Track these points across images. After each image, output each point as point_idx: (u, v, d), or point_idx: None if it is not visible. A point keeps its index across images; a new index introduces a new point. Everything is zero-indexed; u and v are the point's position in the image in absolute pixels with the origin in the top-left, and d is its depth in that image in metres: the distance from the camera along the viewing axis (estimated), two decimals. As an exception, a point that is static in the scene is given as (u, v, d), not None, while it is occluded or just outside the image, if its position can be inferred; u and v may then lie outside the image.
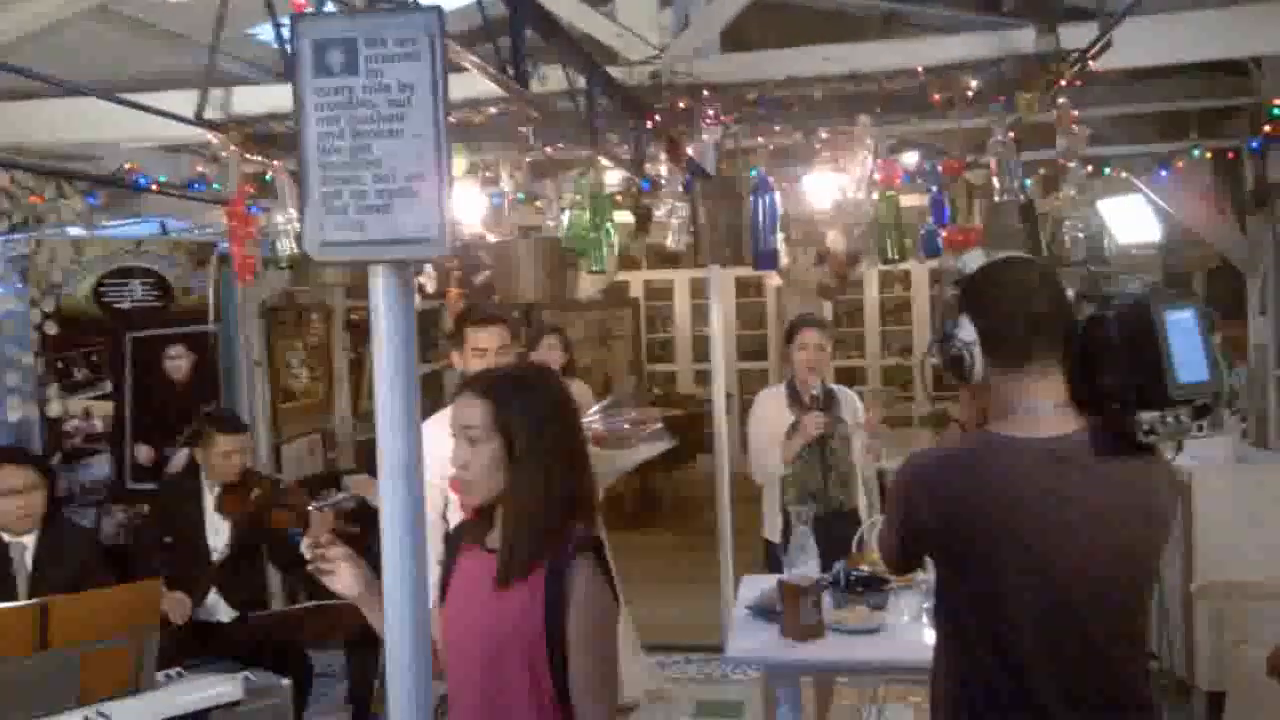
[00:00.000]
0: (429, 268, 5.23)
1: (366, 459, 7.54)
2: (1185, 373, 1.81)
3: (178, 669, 3.20)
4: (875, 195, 4.02)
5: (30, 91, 4.66)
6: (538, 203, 4.62)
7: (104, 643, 2.78)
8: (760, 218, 3.89)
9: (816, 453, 4.19)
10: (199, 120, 3.75)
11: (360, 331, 7.63)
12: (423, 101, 1.80)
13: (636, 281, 11.30)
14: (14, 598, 3.51)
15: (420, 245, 1.80)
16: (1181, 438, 1.82)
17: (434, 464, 2.99)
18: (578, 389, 4.89)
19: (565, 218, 4.06)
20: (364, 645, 4.43)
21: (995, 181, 3.80)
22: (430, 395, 7.69)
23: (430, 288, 5.44)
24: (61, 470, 4.74)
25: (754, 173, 4.24)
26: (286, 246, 3.99)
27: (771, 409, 4.31)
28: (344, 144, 1.82)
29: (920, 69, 3.80)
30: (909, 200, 4.41)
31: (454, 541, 2.15)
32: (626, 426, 3.72)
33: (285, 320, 6.59)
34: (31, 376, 4.82)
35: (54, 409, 4.88)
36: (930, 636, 3.24)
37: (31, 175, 4.99)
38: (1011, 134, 3.86)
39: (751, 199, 3.92)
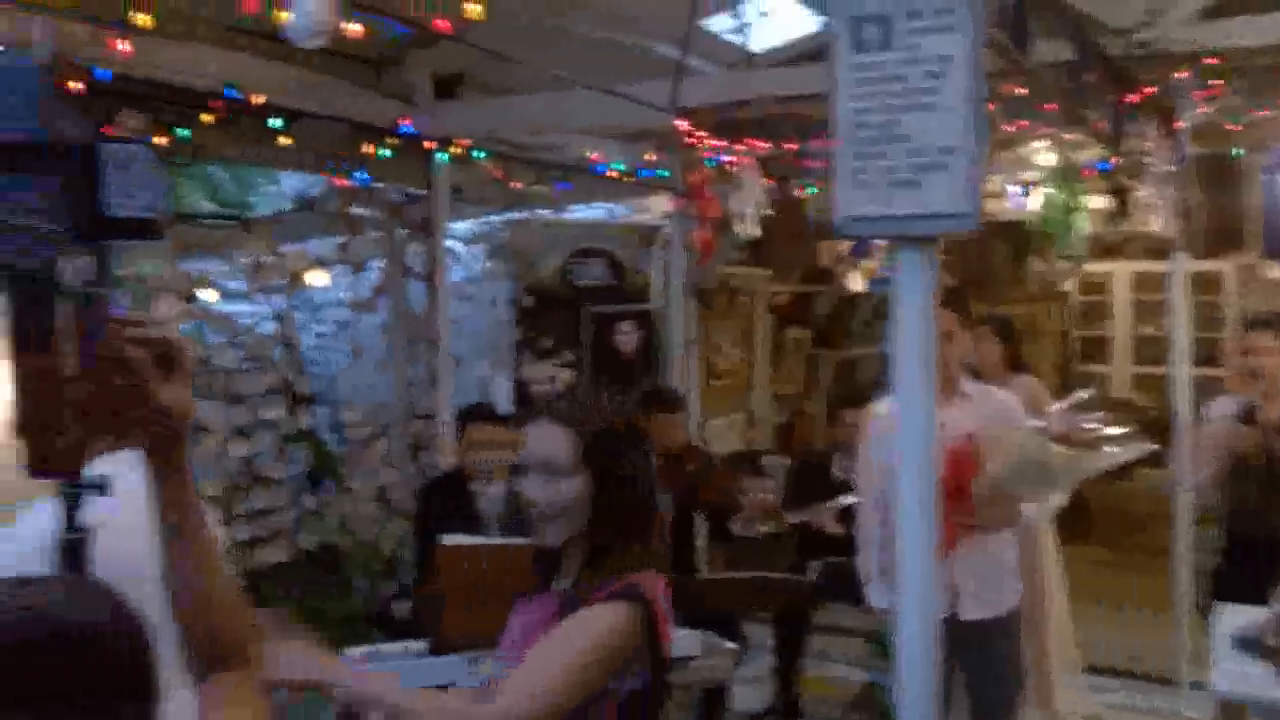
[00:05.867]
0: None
1: (781, 439, 7.70)
2: None
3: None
4: None
5: (508, 87, 5.20)
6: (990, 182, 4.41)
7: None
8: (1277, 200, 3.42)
9: (1260, 474, 3.59)
10: (672, 108, 3.98)
11: (781, 314, 7.79)
12: (959, 73, 1.76)
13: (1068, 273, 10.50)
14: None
15: (950, 220, 1.76)
16: None
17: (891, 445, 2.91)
18: (1027, 384, 4.58)
19: (1037, 199, 3.83)
20: (793, 622, 4.51)
21: None
22: (852, 381, 7.67)
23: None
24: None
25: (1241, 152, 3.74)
26: (746, 229, 4.13)
27: (1216, 422, 3.77)
28: (875, 119, 1.81)
29: None
30: None
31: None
32: (1092, 427, 3.45)
33: (718, 302, 6.86)
34: (509, 343, 5.44)
35: (524, 373, 5.46)
36: None
37: (514, 163, 5.60)
38: None
39: (1264, 178, 3.45)
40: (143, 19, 2.90)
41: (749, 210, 4.11)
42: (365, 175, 4.96)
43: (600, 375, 5.60)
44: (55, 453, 1.20)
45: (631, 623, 1.71)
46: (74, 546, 1.28)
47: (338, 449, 5.18)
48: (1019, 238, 3.78)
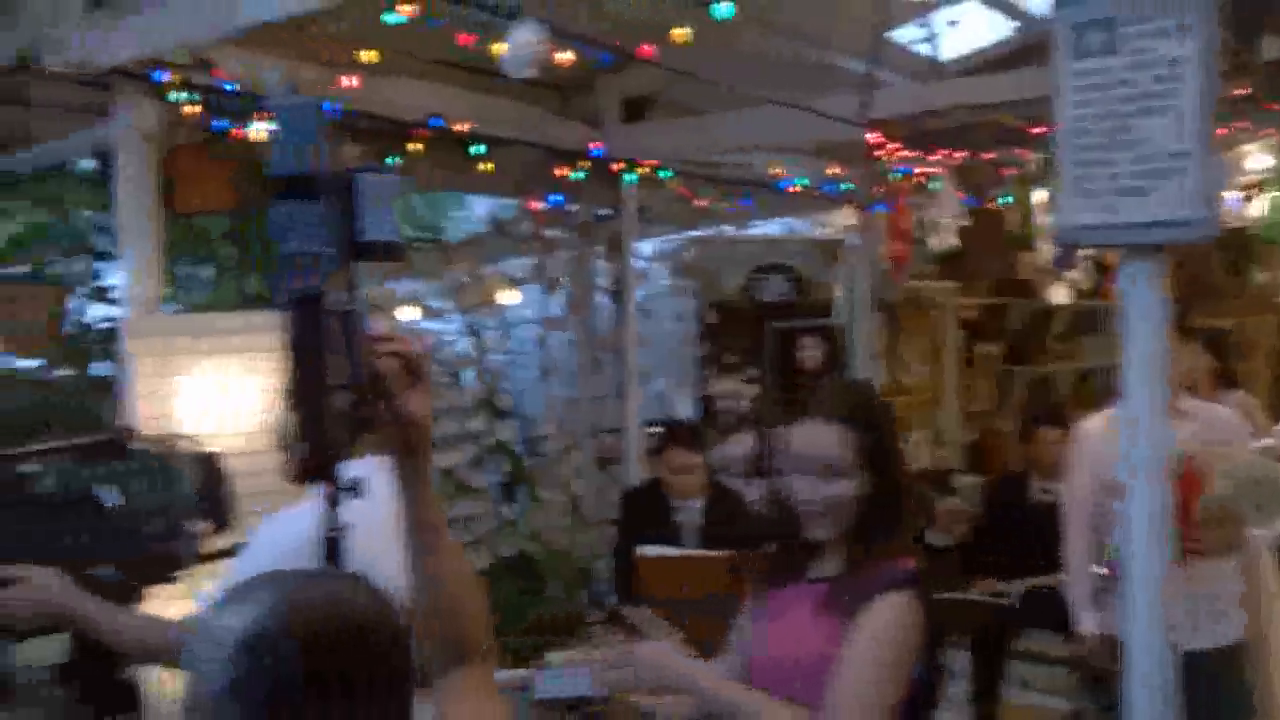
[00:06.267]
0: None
1: (971, 458, 7.44)
2: None
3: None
4: None
5: (694, 107, 5.27)
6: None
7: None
8: None
9: None
10: (863, 121, 3.95)
11: (972, 330, 7.54)
12: (1190, 76, 1.68)
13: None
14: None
15: (1181, 228, 1.69)
16: None
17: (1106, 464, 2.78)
18: (1241, 402, 4.28)
19: (1259, 203, 3.60)
20: (992, 647, 4.36)
21: None
22: (1046, 398, 7.36)
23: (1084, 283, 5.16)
24: (714, 443, 5.33)
25: None
26: (942, 241, 4.05)
27: None
28: (1099, 125, 1.76)
29: None
30: None
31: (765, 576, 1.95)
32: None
33: (904, 316, 6.73)
34: (691, 359, 5.51)
35: (710, 388, 5.51)
36: None
37: (699, 181, 5.67)
38: None
39: None
40: (368, 55, 3.12)
41: (945, 222, 4.02)
42: (558, 197, 5.13)
43: (784, 390, 5.58)
44: (320, 457, 1.31)
45: (917, 611, 1.71)
46: (333, 544, 1.38)
47: (531, 461, 5.37)
48: (1238, 246, 3.54)
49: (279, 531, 1.87)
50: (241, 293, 5.00)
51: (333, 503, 1.36)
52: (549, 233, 5.49)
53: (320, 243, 1.24)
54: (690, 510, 3.99)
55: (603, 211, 5.49)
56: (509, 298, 5.88)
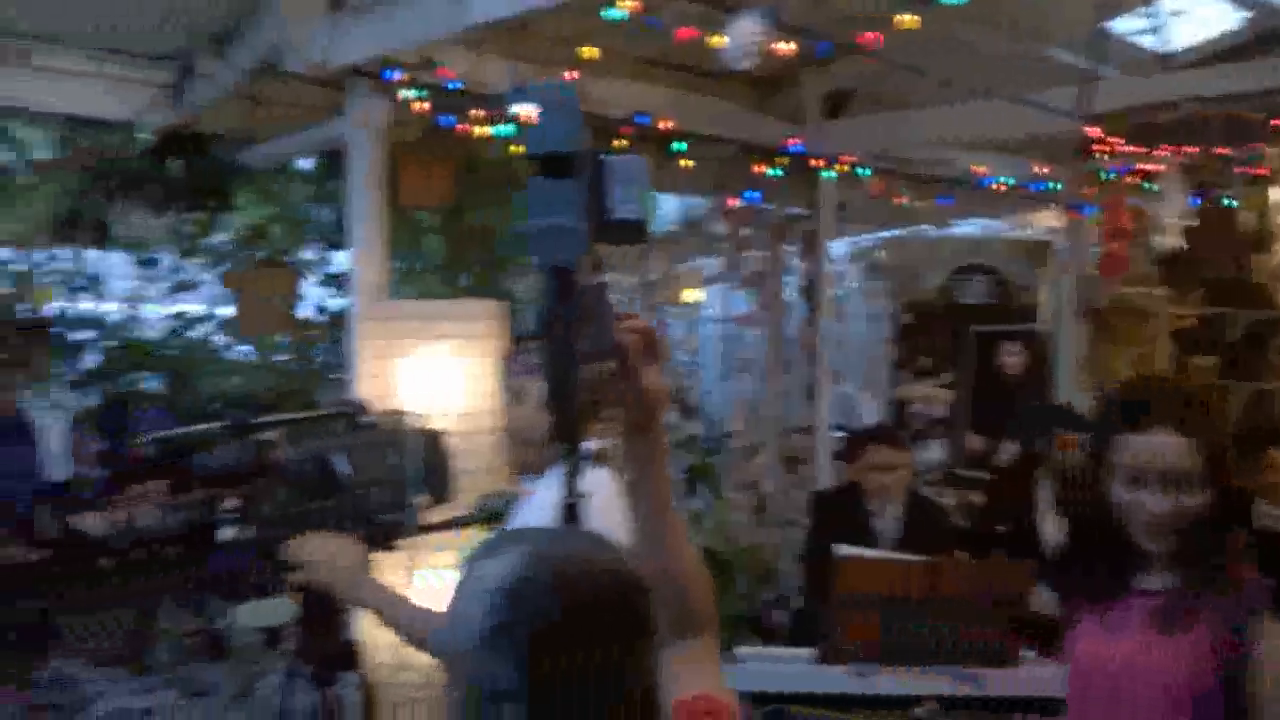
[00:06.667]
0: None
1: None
2: None
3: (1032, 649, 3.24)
4: None
5: (898, 102, 5.14)
6: None
7: (983, 610, 2.94)
8: None
9: None
10: (1085, 115, 3.77)
11: (1185, 340, 7.07)
12: None
13: None
14: (878, 554, 3.89)
15: None
16: None
17: None
18: None
19: None
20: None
21: None
22: (1268, 416, 6.82)
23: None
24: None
25: None
26: (1167, 241, 3.83)
27: None
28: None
29: None
30: None
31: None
32: None
33: (1114, 323, 6.38)
34: (885, 361, 5.40)
35: (901, 392, 5.39)
36: None
37: (897, 179, 5.55)
38: None
39: None
40: (588, 52, 3.22)
41: (1170, 221, 3.79)
42: (755, 195, 5.13)
43: (982, 397, 5.40)
44: (568, 426, 1.36)
45: None
46: (572, 510, 1.43)
47: (717, 458, 5.39)
48: None
49: (538, 496, 1.95)
50: (450, 284, 5.23)
51: (574, 471, 1.41)
52: (742, 231, 5.50)
53: (574, 219, 1.29)
54: (887, 519, 3.83)
55: (795, 210, 5.45)
56: (698, 295, 5.94)
